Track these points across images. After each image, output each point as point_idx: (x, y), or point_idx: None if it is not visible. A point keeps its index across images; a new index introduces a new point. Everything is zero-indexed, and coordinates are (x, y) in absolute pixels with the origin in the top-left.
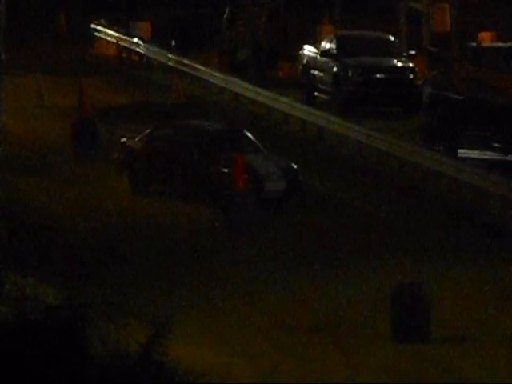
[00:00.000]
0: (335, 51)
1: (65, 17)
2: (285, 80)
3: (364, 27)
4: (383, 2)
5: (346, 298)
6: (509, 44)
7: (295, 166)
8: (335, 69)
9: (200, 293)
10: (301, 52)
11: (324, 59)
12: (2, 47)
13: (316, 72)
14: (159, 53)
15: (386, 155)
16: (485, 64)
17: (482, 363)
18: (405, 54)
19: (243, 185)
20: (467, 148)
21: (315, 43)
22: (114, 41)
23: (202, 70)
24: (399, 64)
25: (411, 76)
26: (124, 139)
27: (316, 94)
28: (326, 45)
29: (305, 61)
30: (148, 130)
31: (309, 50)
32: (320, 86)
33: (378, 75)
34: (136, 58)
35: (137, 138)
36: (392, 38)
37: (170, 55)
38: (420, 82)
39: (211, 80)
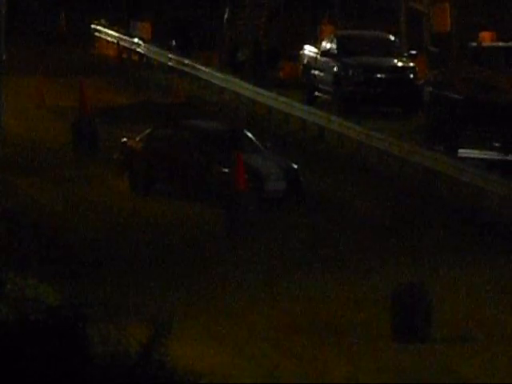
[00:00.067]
0: (336, 51)
1: (65, 17)
2: (285, 80)
3: (364, 27)
4: (383, 2)
5: (346, 298)
6: (509, 44)
7: (296, 166)
8: (335, 69)
9: (200, 293)
10: (301, 52)
11: (324, 59)
12: (3, 47)
13: (316, 72)
14: (159, 53)
15: (387, 155)
16: (485, 64)
17: (482, 363)
18: (405, 54)
19: (243, 185)
20: (467, 148)
21: (316, 43)
22: (115, 41)
23: (203, 70)
24: (400, 64)
25: (412, 76)
26: (124, 139)
27: (316, 93)
28: (326, 45)
29: (305, 61)
30: (148, 130)
31: (309, 49)
32: (320, 85)
33: (378, 75)
34: (136, 58)
35: (137, 138)
36: (392, 38)
37: (170, 55)
38: (420, 82)
39: (211, 80)
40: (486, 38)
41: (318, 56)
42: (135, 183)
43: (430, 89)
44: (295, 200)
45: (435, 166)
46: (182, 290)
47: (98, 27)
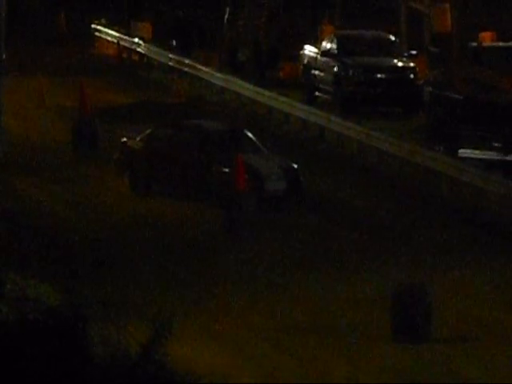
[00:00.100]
0: (336, 51)
1: (65, 17)
2: (285, 80)
3: (364, 27)
4: (384, 2)
5: (346, 299)
6: (509, 44)
7: (296, 166)
8: (336, 69)
9: (200, 293)
10: (301, 52)
11: (324, 59)
12: (3, 47)
13: (317, 72)
14: (160, 53)
15: (387, 155)
16: (485, 64)
17: (483, 363)
18: (405, 54)
19: (244, 185)
20: (468, 148)
21: (316, 43)
22: (115, 41)
23: (203, 70)
24: (400, 64)
25: (412, 76)
26: (124, 139)
27: (317, 93)
28: (326, 45)
29: (305, 61)
30: (148, 130)
31: (309, 49)
32: (321, 85)
33: (378, 75)
34: (136, 57)
35: (137, 138)
36: (393, 38)
37: (170, 55)
38: (421, 82)
39: (212, 80)
40: (486, 38)
41: (318, 56)
42: (135, 183)
43: (430, 89)
44: (295, 200)
45: (435, 166)
46: (181, 289)
47: (99, 27)
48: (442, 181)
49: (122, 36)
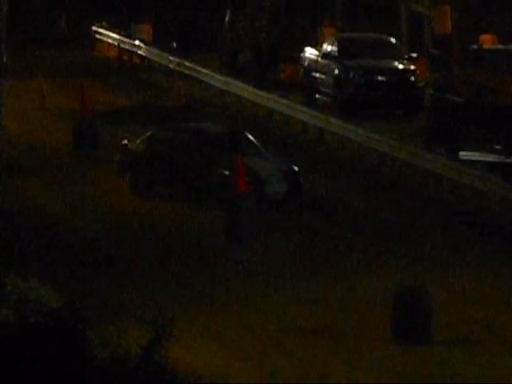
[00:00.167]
0: (336, 53)
1: (66, 19)
2: (286, 82)
3: (365, 29)
4: (384, 5)
5: (346, 300)
6: (510, 46)
7: (296, 168)
8: (336, 71)
9: (200, 294)
10: (302, 54)
11: (325, 61)
12: (4, 50)
13: (317, 74)
14: (160, 55)
15: (387, 157)
16: (486, 66)
17: (484, 365)
18: (406, 57)
19: (244, 187)
20: (468, 150)
21: (316, 45)
22: (116, 43)
23: (204, 72)
24: (400, 66)
25: (412, 78)
26: (125, 141)
27: (317, 96)
28: (327, 47)
29: (306, 63)
30: (149, 132)
31: (310, 52)
32: (321, 88)
33: (379, 77)
34: (137, 60)
35: (138, 141)
36: (393, 41)
37: (171, 57)
38: (421, 85)
39: (212, 82)
40: (487, 41)
41: (319, 58)
42: (136, 185)
43: (431, 91)
44: (295, 202)
45: (436, 169)
46: (181, 290)
47: (99, 29)
48: (442, 183)
49: (122, 38)
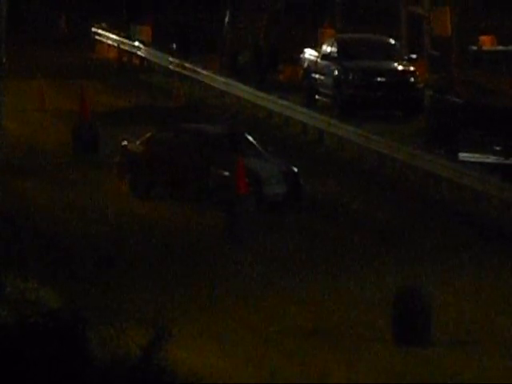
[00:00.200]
0: (336, 55)
1: (66, 21)
2: (286, 83)
3: (365, 31)
4: (384, 6)
5: (346, 300)
6: (509, 48)
7: (296, 170)
8: (336, 72)
9: (200, 295)
10: (302, 55)
11: (325, 62)
12: (3, 51)
13: (317, 75)
14: (160, 56)
15: (387, 158)
16: (485, 68)
17: (483, 366)
18: (405, 58)
19: (244, 188)
20: (468, 151)
21: (316, 47)
22: (115, 44)
23: (203, 73)
24: (400, 67)
25: (412, 79)
26: (125, 143)
27: (317, 97)
28: (326, 48)
29: (306, 64)
30: (149, 134)
31: (310, 53)
32: (321, 89)
33: (378, 79)
34: (137, 61)
35: (138, 142)
36: (393, 42)
37: (170, 59)
38: (421, 86)
39: (212, 83)
40: (486, 42)
41: (319, 59)
42: (136, 186)
43: (431, 92)
44: (295, 203)
45: (435, 170)
46: (181, 292)
47: (99, 31)
48: (441, 184)
49: (122, 40)
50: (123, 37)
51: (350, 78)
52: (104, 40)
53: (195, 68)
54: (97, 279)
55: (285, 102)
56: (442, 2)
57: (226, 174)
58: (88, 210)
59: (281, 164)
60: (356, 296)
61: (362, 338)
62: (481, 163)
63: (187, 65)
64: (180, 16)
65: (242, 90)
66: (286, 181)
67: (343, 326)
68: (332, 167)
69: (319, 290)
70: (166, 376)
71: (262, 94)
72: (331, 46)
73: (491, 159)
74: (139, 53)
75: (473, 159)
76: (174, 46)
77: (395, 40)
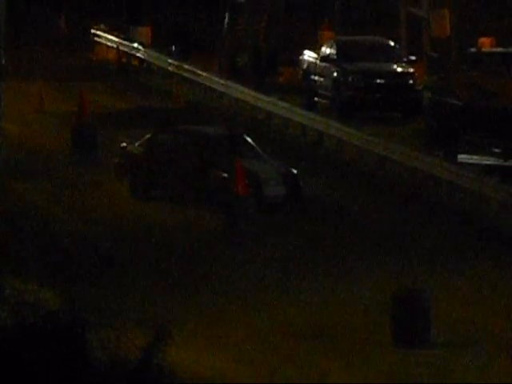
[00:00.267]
0: (335, 56)
1: (65, 22)
2: (285, 85)
3: (364, 33)
4: (383, 8)
5: (345, 302)
6: (508, 49)
7: (295, 171)
8: (335, 74)
9: (199, 297)
10: (301, 57)
11: (324, 64)
12: (3, 52)
13: (316, 77)
14: (159, 58)
15: (386, 160)
16: (484, 69)
17: (482, 367)
18: (405, 60)
19: (243, 190)
20: (467, 153)
21: (315, 48)
22: (114, 46)
23: (202, 75)
24: (399, 69)
25: (411, 81)
26: (124, 144)
27: (316, 99)
28: (326, 50)
29: (305, 66)
30: (148, 135)
31: (309, 55)
32: (320, 91)
33: (377, 80)
34: (136, 63)
35: (137, 143)
36: (392, 44)
37: (169, 60)
38: (420, 88)
39: (211, 85)
40: (486, 44)
41: (318, 61)
42: (135, 188)
43: (430, 94)
44: (294, 205)
45: (434, 172)
46: (181, 294)
47: (98, 32)
48: (441, 186)
49: (121, 41)
50: (122, 38)
51: (350, 79)
52: (103, 41)
53: (194, 70)
54: (96, 280)
55: (284, 104)
56: (441, 3)
57: (225, 175)
58: (87, 211)
59: (280, 166)
60: (355, 297)
61: (361, 340)
62: (480, 165)
63: (186, 66)
64: (179, 17)
65: (241, 92)
66: (286, 182)
67: (343, 327)
68: (331, 169)
69: (319, 292)
70: (164, 378)
71: (261, 96)
72: (330, 48)
73: (490, 161)
74: (138, 54)
75: (472, 161)
76: (174, 47)
77: (394, 42)
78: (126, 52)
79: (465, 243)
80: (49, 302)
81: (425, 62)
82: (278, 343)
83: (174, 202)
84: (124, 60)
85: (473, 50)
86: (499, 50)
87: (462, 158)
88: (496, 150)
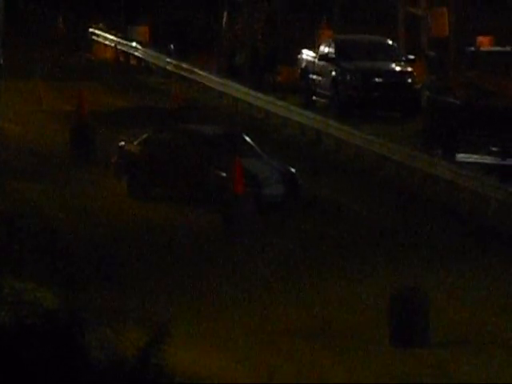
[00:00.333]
0: (334, 55)
1: (63, 21)
2: (283, 84)
3: (363, 32)
4: (382, 7)
5: (344, 302)
6: (507, 48)
7: (294, 171)
8: (334, 73)
9: (198, 296)
10: (299, 56)
11: (322, 63)
12: (1, 52)
13: (314, 76)
14: (157, 57)
15: (384, 159)
16: (483, 68)
17: (481, 367)
18: (403, 59)
19: (242, 189)
20: (465, 152)
21: (314, 47)
22: (113, 45)
23: (201, 74)
24: (398, 68)
25: (409, 80)
26: (122, 143)
27: (314, 98)
28: (324, 49)
29: (303, 65)
30: (146, 134)
31: (307, 54)
32: (318, 90)
33: (376, 79)
34: (134, 62)
35: (135, 142)
36: (390, 43)
37: (168, 59)
38: (418, 87)
39: (209, 84)
40: (484, 43)
41: (316, 60)
42: (133, 187)
43: (428, 93)
44: (293, 204)
45: (433, 171)
46: (180, 293)
47: (96, 31)
48: (439, 185)
49: (119, 40)
50: (120, 37)
51: (348, 78)
52: (101, 40)
53: (193, 69)
54: (95, 280)
55: (282, 103)
56: (439, 2)
57: (224, 174)
58: (85, 211)
59: (278, 165)
60: (354, 297)
61: (360, 339)
62: (478, 164)
63: (184, 65)
64: (178, 17)
65: (240, 91)
66: (284, 182)
67: (342, 326)
68: (330, 168)
69: (318, 291)
70: (163, 378)
71: (259, 95)
72: (329, 47)
73: (489, 160)
74: (137, 53)
75: (470, 160)
76: (172, 46)
77: (393, 41)
78: (125, 51)
79: (463, 242)
80: (47, 301)
81: (423, 61)
82: (278, 343)
83: (172, 202)
84: (122, 59)
85: (471, 49)
86: (498, 49)
87: (460, 156)
88: (494, 149)
